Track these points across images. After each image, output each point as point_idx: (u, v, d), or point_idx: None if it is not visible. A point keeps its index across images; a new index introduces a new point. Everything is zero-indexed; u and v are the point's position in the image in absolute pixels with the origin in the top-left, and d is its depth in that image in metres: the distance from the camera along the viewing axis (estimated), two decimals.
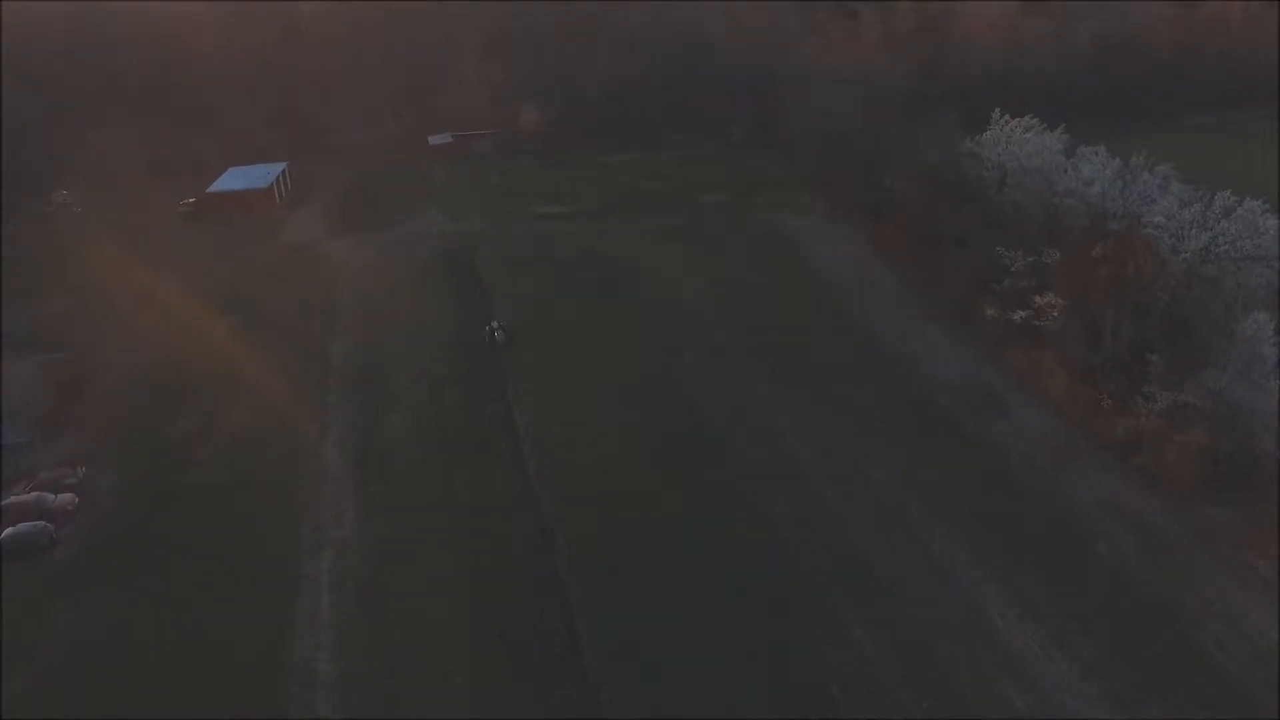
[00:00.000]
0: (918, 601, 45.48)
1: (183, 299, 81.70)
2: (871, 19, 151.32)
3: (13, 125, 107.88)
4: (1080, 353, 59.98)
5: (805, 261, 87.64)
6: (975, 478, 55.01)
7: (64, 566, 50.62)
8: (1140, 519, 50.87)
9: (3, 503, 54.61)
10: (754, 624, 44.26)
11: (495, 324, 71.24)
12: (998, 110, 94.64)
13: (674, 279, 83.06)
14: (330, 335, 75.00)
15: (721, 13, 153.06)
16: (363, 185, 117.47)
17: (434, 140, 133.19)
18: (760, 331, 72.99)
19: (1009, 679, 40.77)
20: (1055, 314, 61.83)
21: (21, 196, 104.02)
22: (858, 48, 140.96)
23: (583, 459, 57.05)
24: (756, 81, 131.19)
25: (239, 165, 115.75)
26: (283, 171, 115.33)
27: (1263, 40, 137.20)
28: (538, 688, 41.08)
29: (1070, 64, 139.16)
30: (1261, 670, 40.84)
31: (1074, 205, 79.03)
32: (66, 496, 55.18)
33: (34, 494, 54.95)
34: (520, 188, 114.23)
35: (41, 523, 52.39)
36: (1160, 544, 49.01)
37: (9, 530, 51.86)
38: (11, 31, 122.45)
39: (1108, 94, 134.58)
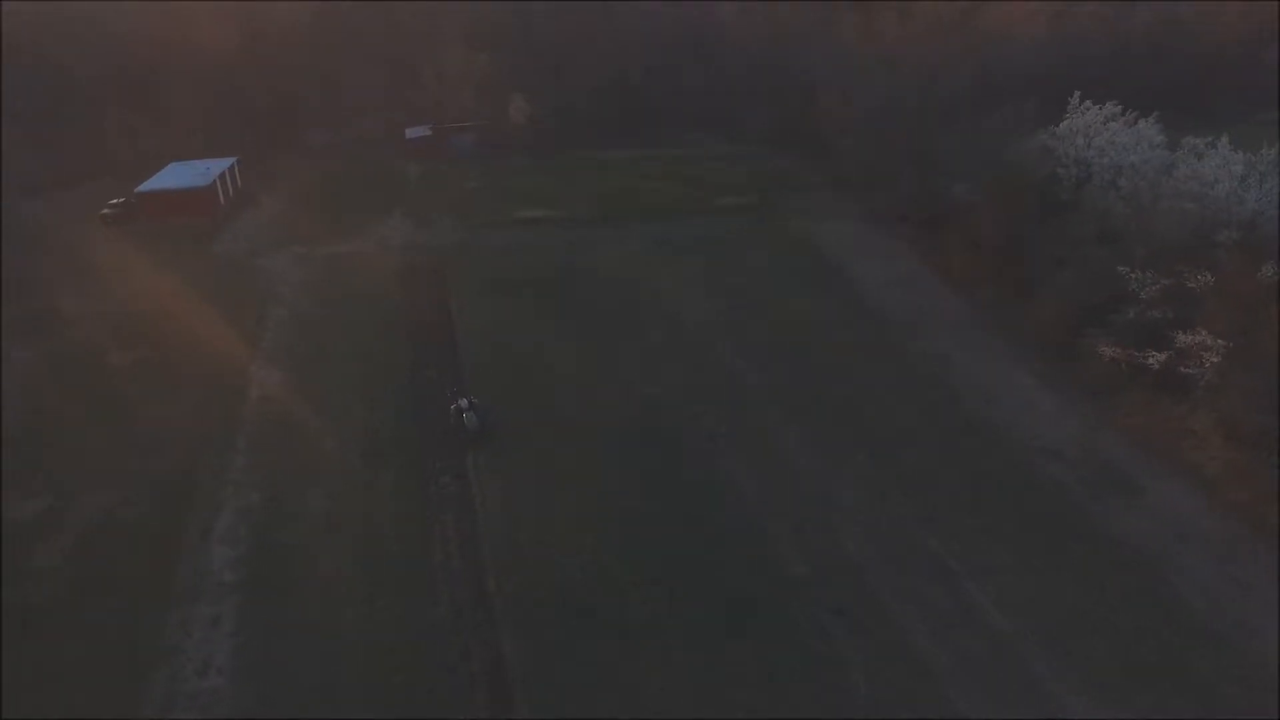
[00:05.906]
0: None
1: (71, 329, 65.66)
2: (904, 3, 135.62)
3: None
4: (1250, 415, 43.41)
5: (847, 283, 71.11)
6: (1117, 604, 38.54)
7: None
8: None
9: None
10: None
11: (465, 403, 51.56)
12: (1076, 95, 78.96)
13: (686, 307, 66.58)
14: (248, 376, 58.80)
15: None
16: (325, 183, 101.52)
17: (411, 133, 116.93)
18: (798, 380, 56.43)
19: None
20: (1214, 359, 45.22)
21: None
22: (888, 33, 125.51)
23: (563, 573, 40.58)
24: (778, 70, 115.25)
25: (183, 161, 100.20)
26: (230, 168, 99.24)
27: None
28: None
29: (1123, 57, 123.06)
30: None
31: (1190, 209, 63.14)
32: None
33: None
34: (504, 189, 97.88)
35: None
36: None
37: None
38: None
39: (1165, 89, 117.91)
